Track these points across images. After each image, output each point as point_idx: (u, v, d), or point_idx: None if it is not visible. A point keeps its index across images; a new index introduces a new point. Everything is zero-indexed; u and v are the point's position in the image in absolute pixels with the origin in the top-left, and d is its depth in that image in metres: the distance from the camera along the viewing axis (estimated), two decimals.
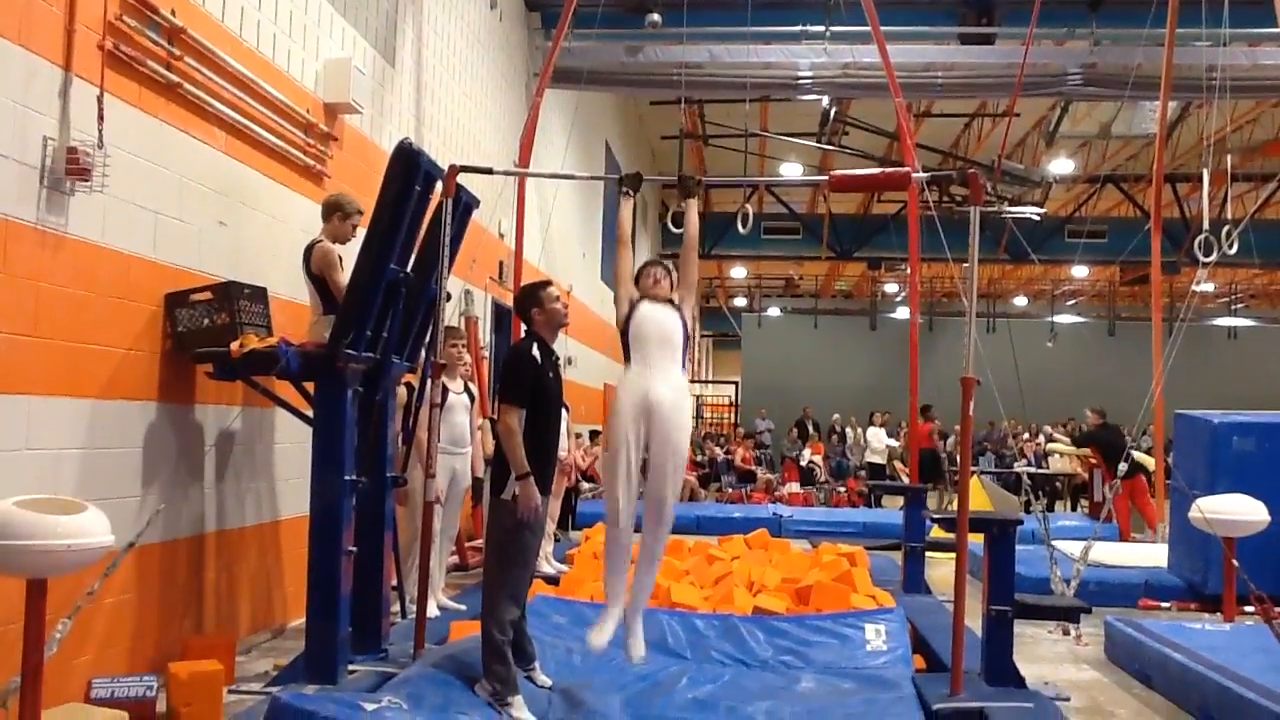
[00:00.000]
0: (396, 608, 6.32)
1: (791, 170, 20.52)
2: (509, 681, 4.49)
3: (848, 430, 21.15)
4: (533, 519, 4.55)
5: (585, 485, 13.04)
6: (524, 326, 4.88)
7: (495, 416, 5.06)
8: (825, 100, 16.22)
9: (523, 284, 5.82)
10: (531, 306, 4.80)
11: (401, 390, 6.24)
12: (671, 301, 4.89)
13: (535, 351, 4.68)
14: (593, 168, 16.46)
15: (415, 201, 5.27)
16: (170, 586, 5.40)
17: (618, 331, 4.82)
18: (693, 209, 5.34)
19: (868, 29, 9.26)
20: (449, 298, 5.96)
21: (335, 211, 5.75)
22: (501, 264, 11.13)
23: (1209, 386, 19.32)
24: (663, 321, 4.76)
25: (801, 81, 12.74)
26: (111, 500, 4.66)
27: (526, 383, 4.61)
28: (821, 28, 12.32)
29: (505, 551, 4.62)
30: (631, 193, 5.30)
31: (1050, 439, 18.54)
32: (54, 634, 3.87)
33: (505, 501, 4.56)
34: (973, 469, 10.85)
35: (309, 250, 5.63)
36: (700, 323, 34.79)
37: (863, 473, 18.13)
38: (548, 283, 4.97)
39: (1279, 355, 25.40)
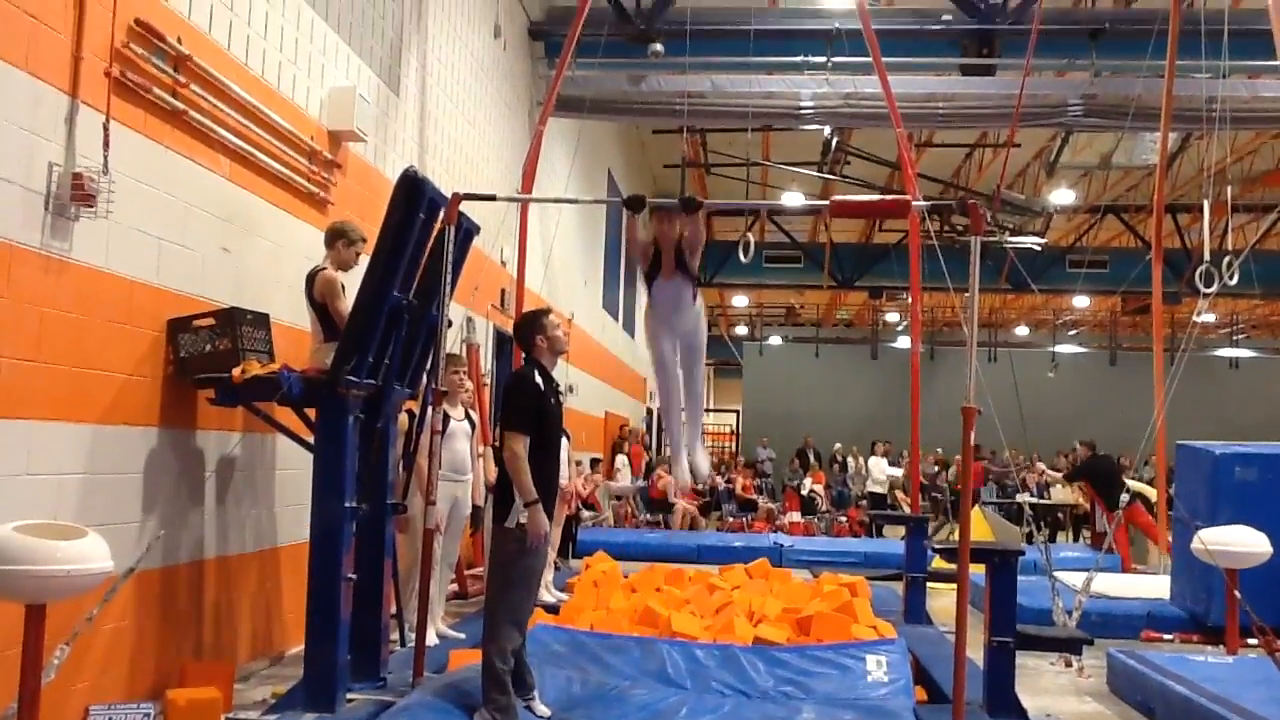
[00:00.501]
0: (396, 635, 6.30)
1: (793, 199, 20.58)
2: (509, 710, 4.47)
3: (849, 459, 21.12)
4: (541, 546, 4.57)
5: (586, 513, 13.00)
6: (523, 354, 4.91)
7: (497, 444, 5.08)
8: (827, 130, 16.30)
9: (523, 312, 5.90)
10: (533, 334, 4.84)
11: (403, 417, 6.24)
12: (680, 261, 5.42)
13: (537, 378, 4.72)
14: (595, 195, 16.53)
15: (419, 229, 5.30)
16: (169, 613, 5.38)
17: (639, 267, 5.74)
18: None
19: (869, 60, 9.31)
20: (450, 324, 5.97)
21: (339, 238, 5.78)
22: (503, 291, 11.15)
23: (1211, 417, 19.31)
24: (673, 294, 5.51)
25: (803, 111, 12.79)
26: (111, 526, 4.66)
27: (530, 409, 4.64)
28: (823, 58, 12.40)
29: (508, 578, 4.62)
30: (636, 217, 5.45)
31: (1042, 474, 18.41)
32: (52, 659, 3.86)
33: (508, 528, 4.56)
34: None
35: (312, 277, 5.65)
36: None
37: (864, 502, 18.06)
38: (548, 311, 5.03)
39: None
